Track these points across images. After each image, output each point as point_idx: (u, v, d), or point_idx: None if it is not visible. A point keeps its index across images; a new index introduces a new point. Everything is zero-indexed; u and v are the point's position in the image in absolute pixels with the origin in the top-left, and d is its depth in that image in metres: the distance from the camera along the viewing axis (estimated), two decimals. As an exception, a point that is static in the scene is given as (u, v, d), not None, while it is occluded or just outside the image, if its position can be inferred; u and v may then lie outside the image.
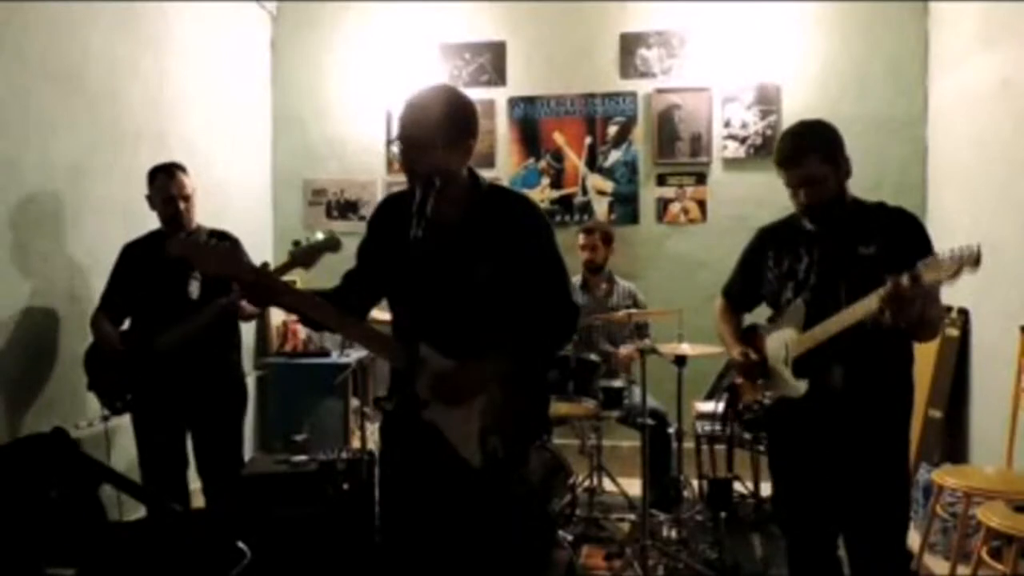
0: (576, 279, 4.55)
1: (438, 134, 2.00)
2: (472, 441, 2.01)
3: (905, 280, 1.98)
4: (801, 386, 2.33)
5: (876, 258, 2.22)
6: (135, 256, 3.34)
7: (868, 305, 2.10)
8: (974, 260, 1.90)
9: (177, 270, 3.12)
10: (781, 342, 2.41)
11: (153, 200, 3.31)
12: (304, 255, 2.39)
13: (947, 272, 1.93)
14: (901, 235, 2.25)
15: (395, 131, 2.16)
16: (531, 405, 2.14)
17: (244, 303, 3.21)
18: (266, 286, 2.08)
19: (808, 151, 2.27)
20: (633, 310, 4.10)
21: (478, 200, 2.10)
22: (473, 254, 2.06)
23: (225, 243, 2.57)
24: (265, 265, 2.25)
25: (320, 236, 2.40)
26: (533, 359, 2.12)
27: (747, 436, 3.86)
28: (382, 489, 2.29)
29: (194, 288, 3.23)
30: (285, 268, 2.50)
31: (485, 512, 2.08)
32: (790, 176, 2.30)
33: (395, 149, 2.21)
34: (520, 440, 2.11)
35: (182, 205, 3.27)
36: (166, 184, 3.27)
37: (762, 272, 2.50)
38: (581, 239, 4.55)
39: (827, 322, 2.24)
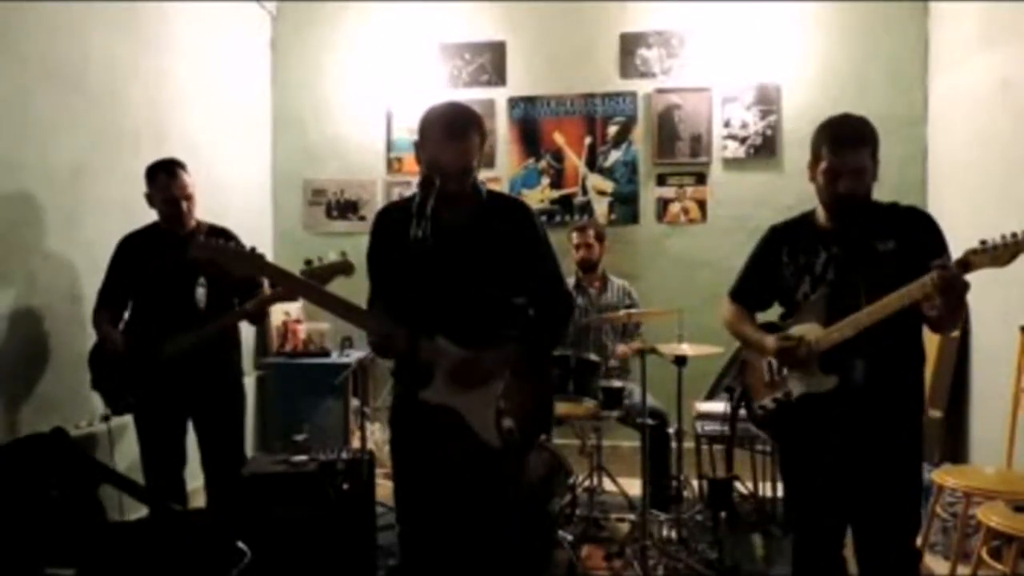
0: (570, 280, 4.55)
1: (479, 147, 2.19)
2: (491, 424, 2.18)
3: (956, 268, 2.03)
4: (830, 381, 2.30)
5: (895, 254, 2.23)
6: (133, 249, 3.29)
7: (905, 296, 2.11)
8: None
9: (182, 275, 3.12)
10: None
11: (153, 199, 3.26)
12: (317, 277, 2.35)
13: (1002, 259, 2.00)
14: (917, 232, 2.27)
15: (442, 146, 2.15)
16: (540, 389, 2.31)
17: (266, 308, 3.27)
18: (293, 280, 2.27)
19: (868, 140, 2.27)
20: (632, 310, 4.10)
21: (481, 204, 2.25)
22: (481, 252, 2.21)
23: (246, 246, 2.52)
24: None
25: (333, 257, 2.40)
26: (539, 345, 2.31)
27: (760, 436, 3.81)
28: (399, 475, 2.35)
29: (200, 295, 3.21)
30: None
31: (503, 492, 2.25)
32: (844, 160, 2.23)
33: (430, 159, 2.22)
34: (532, 422, 2.26)
35: (184, 205, 3.23)
36: (167, 184, 3.21)
37: (776, 269, 2.46)
38: (575, 238, 4.55)
39: (859, 315, 2.21)
